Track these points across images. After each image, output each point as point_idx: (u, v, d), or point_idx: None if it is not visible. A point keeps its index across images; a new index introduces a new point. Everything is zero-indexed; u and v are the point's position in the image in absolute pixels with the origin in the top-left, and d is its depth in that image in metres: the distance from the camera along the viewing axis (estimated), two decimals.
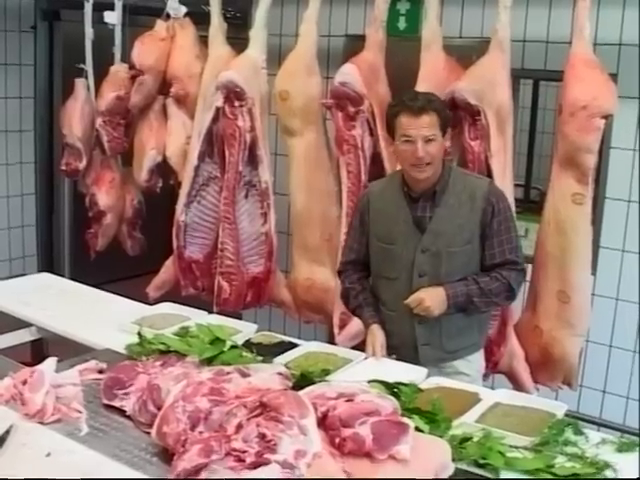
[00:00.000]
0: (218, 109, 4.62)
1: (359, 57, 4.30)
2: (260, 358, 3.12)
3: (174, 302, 3.91)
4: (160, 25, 4.90)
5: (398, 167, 3.55)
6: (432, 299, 3.23)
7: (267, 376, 2.77)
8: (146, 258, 5.34)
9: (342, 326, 4.47)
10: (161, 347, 3.11)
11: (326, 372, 3.05)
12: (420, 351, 3.35)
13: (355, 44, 4.87)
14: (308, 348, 3.38)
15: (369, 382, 2.88)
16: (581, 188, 3.81)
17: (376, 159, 4.36)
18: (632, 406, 4.40)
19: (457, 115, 3.97)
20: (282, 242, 4.87)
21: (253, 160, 4.70)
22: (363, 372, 3.10)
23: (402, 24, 5.13)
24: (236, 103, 4.56)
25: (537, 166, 6.08)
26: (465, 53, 4.39)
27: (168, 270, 5.03)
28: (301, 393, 2.55)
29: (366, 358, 3.31)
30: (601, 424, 4.24)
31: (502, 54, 3.96)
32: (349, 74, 4.24)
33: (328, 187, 4.58)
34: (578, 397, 4.21)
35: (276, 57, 4.68)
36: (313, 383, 2.80)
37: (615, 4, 4.29)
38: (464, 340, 3.40)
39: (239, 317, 4.84)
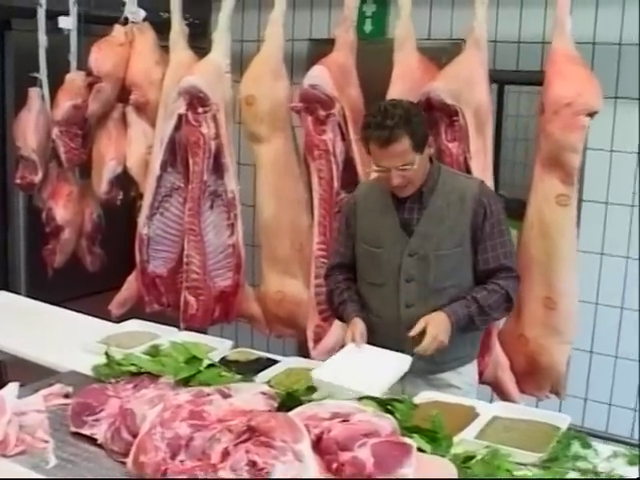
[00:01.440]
0: (180, 116, 4.36)
1: (329, 58, 4.07)
2: (239, 377, 2.86)
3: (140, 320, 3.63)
4: (118, 30, 4.62)
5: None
6: (443, 331, 2.98)
7: (250, 396, 2.54)
8: (107, 274, 5.03)
9: (317, 340, 4.22)
10: (132, 368, 2.84)
11: (311, 389, 2.80)
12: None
13: (320, 48, 4.66)
14: (288, 364, 3.14)
15: (360, 399, 2.64)
16: (566, 189, 3.62)
17: (348, 164, 4.12)
18: (616, 414, 4.23)
19: (433, 116, 3.74)
20: (248, 255, 4.60)
21: (218, 169, 4.44)
22: (346, 362, 2.96)
23: (368, 27, 4.96)
24: (199, 109, 4.30)
25: (504, 174, 5.89)
26: (434, 55, 4.17)
27: (131, 286, 4.74)
28: (291, 414, 2.30)
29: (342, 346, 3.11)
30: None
31: (479, 52, 3.76)
32: (319, 76, 4.01)
33: (298, 195, 4.34)
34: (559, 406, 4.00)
35: (238, 64, 4.43)
36: (300, 402, 2.55)
37: (588, 4, 4.16)
38: (455, 351, 3.16)
39: (204, 333, 4.60)
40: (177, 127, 4.42)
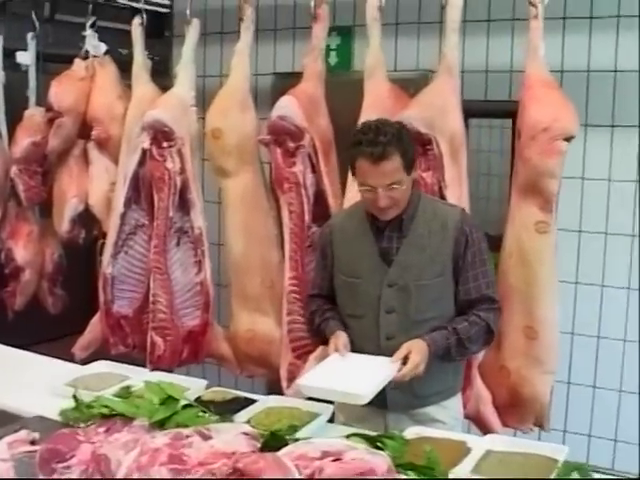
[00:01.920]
0: (144, 151, 4.20)
1: (298, 89, 3.94)
2: (217, 417, 2.68)
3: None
4: (78, 64, 4.47)
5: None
6: (423, 361, 2.86)
7: (231, 437, 2.37)
8: (70, 316, 4.82)
9: (290, 379, 4.05)
10: (103, 411, 2.64)
11: (294, 428, 2.63)
12: (388, 395, 2.95)
13: (284, 82, 4.55)
14: (267, 403, 2.96)
15: (348, 437, 2.48)
16: (544, 216, 3.50)
17: (319, 197, 3.99)
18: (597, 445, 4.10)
19: None
20: (215, 295, 4.42)
21: (184, 205, 4.28)
22: (332, 368, 2.86)
23: (333, 59, 4.85)
24: (164, 144, 4.15)
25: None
26: (402, 86, 4.05)
27: (95, 328, 4.53)
28: (280, 454, 2.13)
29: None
30: None
31: (451, 79, 3.66)
32: (288, 107, 3.88)
33: (267, 230, 4.19)
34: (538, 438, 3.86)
35: (200, 100, 4.30)
36: (285, 442, 2.38)
37: (556, 31, 4.11)
38: (438, 384, 3.03)
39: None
40: (141, 162, 4.27)
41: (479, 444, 2.61)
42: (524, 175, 3.50)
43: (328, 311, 3.14)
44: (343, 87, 4.19)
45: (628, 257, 4.11)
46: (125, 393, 2.89)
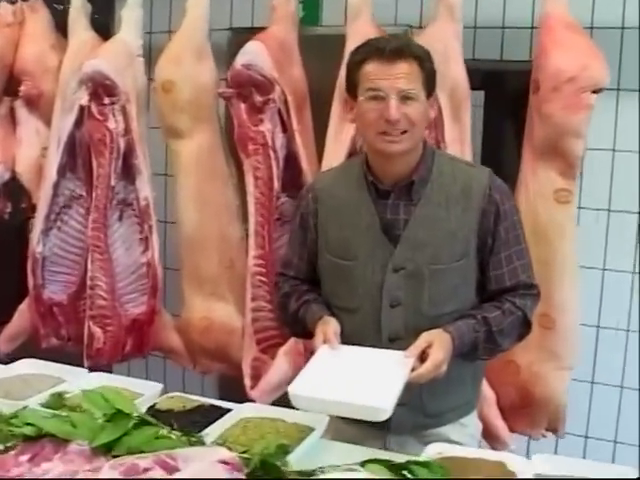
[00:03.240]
0: (82, 109, 3.44)
1: (266, 33, 3.21)
2: (179, 436, 1.94)
3: (34, 357, 2.67)
4: (4, 8, 3.68)
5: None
6: (446, 360, 2.12)
7: (205, 467, 1.65)
8: None
9: (255, 376, 3.33)
10: (27, 430, 1.87)
11: (284, 449, 1.91)
12: (393, 416, 2.11)
13: (243, 38, 3.79)
14: (241, 413, 2.24)
15: (363, 464, 1.77)
16: (566, 183, 2.87)
17: (291, 161, 3.27)
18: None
19: None
20: (164, 278, 3.67)
21: (128, 172, 3.52)
22: (329, 369, 2.10)
23: (300, 12, 4.10)
24: (106, 100, 3.39)
25: None
26: None
27: (23, 316, 3.74)
28: None
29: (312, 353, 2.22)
30: None
31: (453, 23, 2.99)
32: (255, 53, 3.14)
33: (227, 201, 3.45)
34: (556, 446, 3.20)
35: (147, 58, 3.53)
36: (280, 474, 1.66)
37: None
38: (454, 398, 2.31)
39: (109, 371, 3.67)
40: (78, 123, 3.52)
41: (524, 467, 1.94)
42: (543, 135, 2.86)
43: (307, 292, 2.39)
44: (311, 44, 3.46)
45: None
46: (57, 403, 2.15)
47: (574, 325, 2.96)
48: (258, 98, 3.18)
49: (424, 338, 2.12)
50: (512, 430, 3.06)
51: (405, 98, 2.11)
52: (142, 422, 1.86)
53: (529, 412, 3.05)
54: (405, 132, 2.13)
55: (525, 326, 2.29)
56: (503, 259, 2.24)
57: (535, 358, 2.95)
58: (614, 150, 3.31)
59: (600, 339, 3.41)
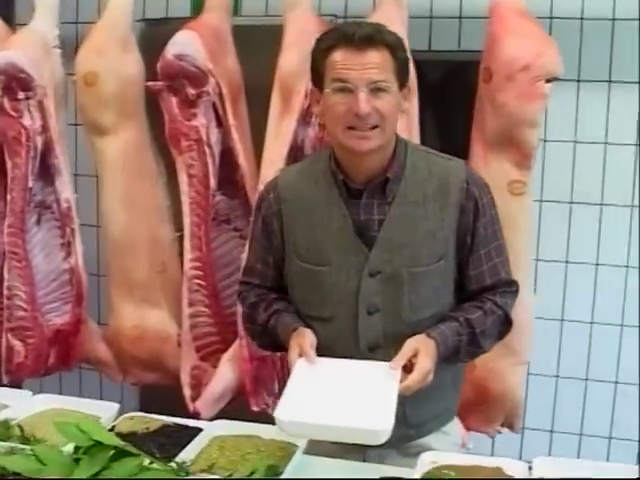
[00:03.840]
0: None
1: (199, 22, 2.99)
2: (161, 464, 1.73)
3: None
4: None
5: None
6: (434, 365, 1.96)
7: None
8: None
9: (195, 385, 3.11)
10: None
11: (273, 471, 1.73)
12: None
13: (156, 30, 3.57)
14: (213, 432, 2.04)
15: None
16: (520, 174, 2.76)
17: (227, 157, 3.06)
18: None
19: None
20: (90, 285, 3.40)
21: (47, 173, 3.24)
22: (313, 388, 1.90)
23: None
24: (20, 95, 3.11)
25: None
26: None
27: None
28: None
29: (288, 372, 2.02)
30: None
31: (399, 10, 2.84)
32: (188, 43, 2.92)
33: (156, 201, 3.21)
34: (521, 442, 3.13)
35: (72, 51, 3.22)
36: None
37: None
38: (436, 406, 2.16)
39: (19, 386, 3.40)
40: None
41: (520, 470, 1.82)
42: (496, 125, 2.74)
43: (276, 301, 2.18)
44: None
45: (626, 232, 3.36)
46: (4, 433, 1.90)
47: (529, 320, 2.86)
48: (191, 91, 2.96)
49: (409, 346, 1.96)
50: (467, 428, 2.92)
51: (376, 90, 1.92)
52: (120, 453, 1.63)
53: (484, 409, 2.94)
54: (376, 127, 1.95)
55: (506, 324, 2.16)
56: (483, 257, 2.09)
57: (491, 355, 2.76)
58: (575, 142, 3.25)
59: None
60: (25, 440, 1.89)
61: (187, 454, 1.87)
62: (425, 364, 1.92)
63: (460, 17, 3.43)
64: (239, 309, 2.93)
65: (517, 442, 3.34)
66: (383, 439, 1.77)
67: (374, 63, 1.92)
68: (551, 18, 3.08)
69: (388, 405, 1.81)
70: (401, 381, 1.90)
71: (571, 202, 3.40)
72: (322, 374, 1.95)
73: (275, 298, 2.18)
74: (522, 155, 2.73)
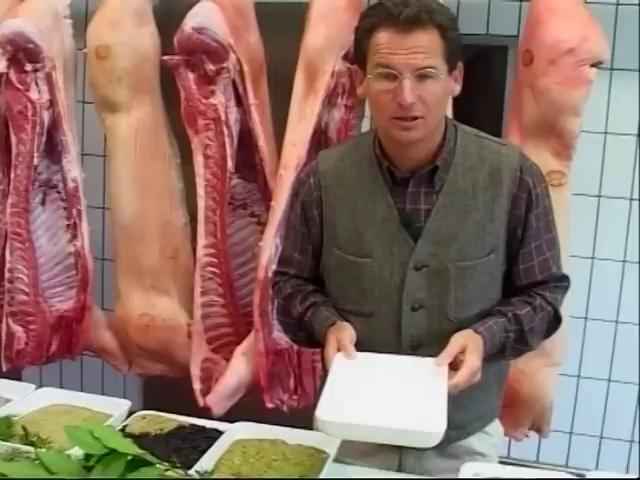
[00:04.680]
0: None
1: None
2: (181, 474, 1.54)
3: None
4: None
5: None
6: (481, 362, 1.81)
7: None
8: None
9: (206, 378, 2.92)
10: None
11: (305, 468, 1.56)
12: None
13: (173, 4, 3.35)
14: (233, 436, 1.85)
15: None
16: (561, 164, 2.60)
17: (246, 138, 2.87)
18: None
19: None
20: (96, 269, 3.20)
21: (53, 150, 3.05)
22: (356, 387, 1.74)
23: None
24: (28, 67, 2.91)
25: None
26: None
27: None
28: None
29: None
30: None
31: None
32: (208, 16, 2.72)
33: (169, 184, 3.01)
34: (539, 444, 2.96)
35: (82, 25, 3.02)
36: None
37: None
38: (479, 406, 2.00)
39: (17, 378, 3.21)
40: None
41: None
42: (536, 112, 2.57)
43: (314, 294, 2.01)
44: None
45: None
46: (6, 431, 1.71)
47: (564, 319, 2.67)
48: (210, 67, 2.77)
49: (456, 342, 1.81)
50: None
51: (422, 77, 1.75)
52: (137, 462, 1.44)
53: (512, 412, 2.75)
54: (419, 118, 1.77)
55: (555, 322, 2.00)
56: (534, 250, 1.93)
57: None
58: (606, 133, 3.05)
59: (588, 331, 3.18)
60: (28, 441, 1.69)
61: (207, 461, 1.69)
62: (474, 361, 1.78)
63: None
64: (255, 300, 2.78)
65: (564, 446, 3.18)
66: (435, 442, 1.62)
67: (421, 47, 1.74)
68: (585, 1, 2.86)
69: (439, 405, 1.66)
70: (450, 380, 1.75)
71: (599, 196, 3.20)
72: (363, 370, 1.80)
73: (312, 290, 2.03)
74: (563, 144, 2.56)
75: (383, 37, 1.75)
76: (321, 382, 1.87)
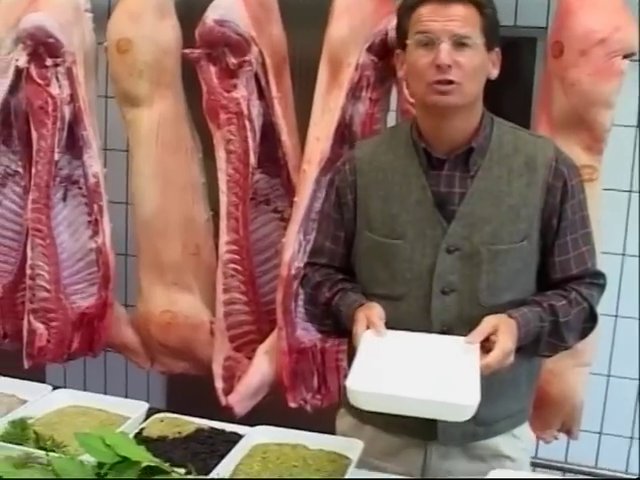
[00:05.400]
0: (19, 71, 2.89)
1: None
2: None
3: None
4: None
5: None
6: (514, 345, 1.76)
7: None
8: None
9: (229, 377, 2.86)
10: None
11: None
12: (439, 422, 1.84)
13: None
14: (253, 440, 1.79)
15: None
16: (592, 158, 2.51)
17: (268, 132, 2.80)
18: None
19: (392, 65, 2.47)
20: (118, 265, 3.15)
21: (74, 145, 2.99)
22: (387, 360, 1.72)
23: None
24: (48, 61, 2.86)
25: None
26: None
27: None
28: None
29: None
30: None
31: None
32: (231, 8, 2.65)
33: (191, 178, 2.95)
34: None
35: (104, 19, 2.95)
36: None
37: None
38: (508, 404, 1.94)
39: (42, 377, 3.19)
40: (14, 88, 2.95)
41: None
42: (566, 105, 2.49)
43: (343, 281, 1.99)
44: None
45: None
46: (21, 434, 1.65)
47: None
48: (232, 60, 2.70)
49: (489, 322, 1.78)
50: None
51: (460, 44, 1.77)
52: (151, 469, 1.38)
53: (542, 413, 2.67)
54: (454, 83, 1.77)
55: (591, 320, 1.94)
56: (570, 243, 1.90)
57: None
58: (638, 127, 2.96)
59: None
60: (42, 444, 1.64)
61: (225, 466, 1.62)
62: (507, 342, 1.74)
63: None
64: (278, 297, 2.72)
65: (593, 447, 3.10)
66: (469, 414, 1.59)
67: (458, 16, 1.78)
68: None
69: (472, 378, 1.63)
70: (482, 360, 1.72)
71: (630, 191, 3.11)
72: (393, 346, 1.77)
73: (341, 279, 2.01)
74: (594, 138, 2.47)
75: (424, 9, 1.80)
76: (349, 360, 1.84)
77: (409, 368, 1.68)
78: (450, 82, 1.76)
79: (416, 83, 1.84)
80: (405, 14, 1.83)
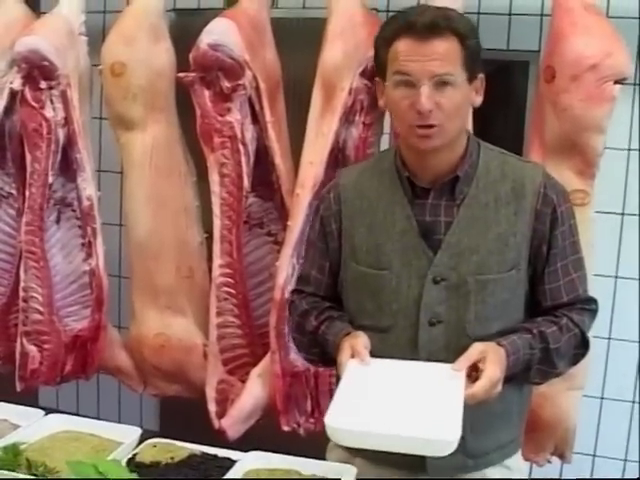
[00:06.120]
0: (14, 94, 2.91)
1: (236, 10, 2.74)
2: None
3: None
4: None
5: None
6: (502, 374, 1.74)
7: None
8: None
9: (221, 400, 2.86)
10: None
11: None
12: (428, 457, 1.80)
13: (188, 21, 3.32)
14: (246, 465, 1.78)
15: None
16: (584, 183, 2.52)
17: (262, 156, 2.81)
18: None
19: None
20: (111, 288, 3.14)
21: (68, 168, 3.00)
22: (370, 393, 1.70)
23: None
24: (43, 84, 2.87)
25: None
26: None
27: None
28: None
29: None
30: None
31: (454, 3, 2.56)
32: (224, 32, 2.66)
33: (185, 202, 2.96)
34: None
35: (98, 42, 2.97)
36: None
37: None
38: (499, 435, 1.93)
39: (34, 399, 3.17)
40: (8, 110, 2.97)
41: None
42: (558, 129, 2.50)
43: (330, 309, 1.98)
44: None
45: None
46: (13, 460, 1.65)
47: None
48: (226, 84, 2.71)
49: (476, 348, 1.75)
50: None
51: (440, 84, 1.73)
52: None
53: (535, 437, 2.67)
54: (435, 126, 1.74)
55: (582, 346, 1.92)
56: (560, 270, 1.87)
57: None
58: (629, 150, 2.98)
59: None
60: (34, 470, 1.63)
61: None
62: (494, 371, 1.71)
63: (510, 14, 3.15)
64: (271, 321, 2.71)
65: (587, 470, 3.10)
66: (450, 449, 1.55)
67: (438, 54, 1.73)
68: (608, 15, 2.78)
69: (454, 411, 1.59)
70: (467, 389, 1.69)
71: (623, 214, 3.13)
72: (376, 376, 1.75)
73: (328, 307, 1.99)
74: (585, 163, 2.48)
75: (401, 45, 1.75)
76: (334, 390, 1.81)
77: (391, 400, 1.66)
78: (431, 126, 1.74)
79: (398, 122, 1.83)
80: (382, 45, 1.80)
